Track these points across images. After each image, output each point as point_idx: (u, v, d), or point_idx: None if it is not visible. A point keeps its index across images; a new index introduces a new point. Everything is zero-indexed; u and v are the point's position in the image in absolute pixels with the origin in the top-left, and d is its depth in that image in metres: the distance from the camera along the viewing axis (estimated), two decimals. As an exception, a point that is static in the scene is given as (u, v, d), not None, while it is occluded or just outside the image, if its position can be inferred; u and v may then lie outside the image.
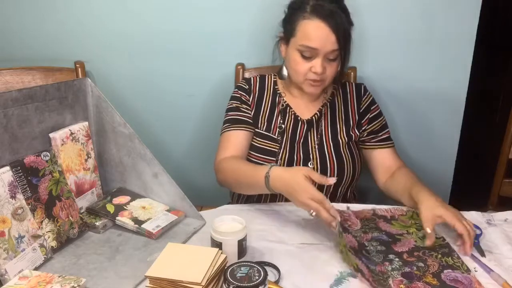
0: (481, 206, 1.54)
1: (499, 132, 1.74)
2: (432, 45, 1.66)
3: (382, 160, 1.43)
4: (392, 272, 1.06)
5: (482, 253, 1.13)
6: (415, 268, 1.07)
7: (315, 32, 1.25)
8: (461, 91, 1.71)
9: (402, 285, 1.02)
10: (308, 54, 1.29)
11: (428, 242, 1.12)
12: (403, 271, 1.06)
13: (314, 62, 1.29)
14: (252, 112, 1.44)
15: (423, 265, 1.08)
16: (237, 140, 1.39)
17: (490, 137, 2.47)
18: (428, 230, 1.12)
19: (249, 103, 1.44)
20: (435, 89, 1.72)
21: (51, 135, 1.21)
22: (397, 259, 1.10)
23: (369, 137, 1.45)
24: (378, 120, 1.45)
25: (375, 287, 1.00)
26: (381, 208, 1.28)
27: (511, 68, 2.79)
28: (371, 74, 1.71)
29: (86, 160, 1.29)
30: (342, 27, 1.25)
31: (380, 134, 1.44)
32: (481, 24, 1.62)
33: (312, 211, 1.09)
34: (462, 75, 1.69)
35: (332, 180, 1.11)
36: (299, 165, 1.38)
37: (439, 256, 1.11)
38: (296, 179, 1.11)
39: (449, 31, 1.63)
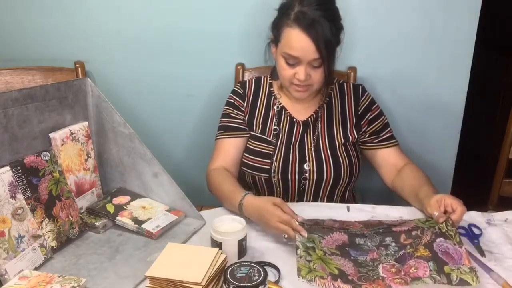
0: (481, 206, 1.54)
1: (499, 132, 1.74)
2: (432, 45, 1.66)
3: (386, 159, 1.43)
4: (385, 257, 1.06)
5: (482, 253, 1.13)
6: (408, 247, 1.07)
7: (295, 42, 1.25)
8: (461, 91, 1.71)
9: (393, 269, 1.02)
10: (291, 61, 1.29)
11: (441, 220, 1.11)
12: (397, 256, 1.06)
13: (298, 69, 1.29)
14: (247, 116, 1.45)
15: (417, 240, 1.08)
16: (226, 149, 1.42)
17: (490, 137, 2.47)
18: (436, 213, 1.13)
19: (243, 108, 1.45)
20: (435, 89, 1.72)
21: (51, 135, 1.21)
22: (393, 244, 1.10)
23: (371, 137, 1.44)
24: (379, 120, 1.45)
25: (359, 284, 0.99)
26: (389, 220, 1.25)
27: (511, 68, 2.78)
28: (371, 74, 1.70)
29: (86, 160, 1.29)
30: (323, 37, 1.23)
31: (382, 134, 1.44)
32: (481, 24, 1.62)
33: (284, 234, 1.12)
34: (462, 75, 1.69)
35: (300, 218, 1.13)
36: (295, 166, 1.39)
37: (435, 226, 1.11)
38: (265, 206, 1.15)
39: (449, 31, 1.63)
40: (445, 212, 1.14)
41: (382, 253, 1.08)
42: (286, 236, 1.12)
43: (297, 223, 1.10)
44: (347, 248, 1.09)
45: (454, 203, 1.13)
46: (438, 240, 1.06)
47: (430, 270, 1.01)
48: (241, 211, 1.21)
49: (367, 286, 0.98)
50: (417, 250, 1.05)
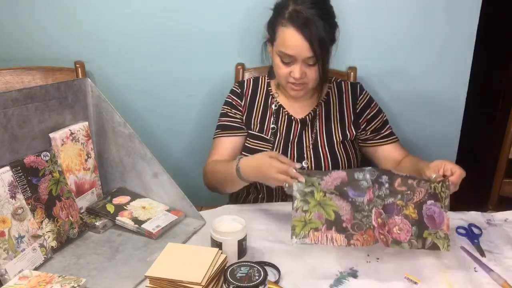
0: (481, 206, 1.54)
1: (499, 132, 1.74)
2: (432, 45, 1.66)
3: (387, 154, 1.44)
4: (376, 199, 1.07)
5: (482, 253, 1.13)
6: (399, 196, 1.08)
7: (290, 40, 1.26)
8: (461, 91, 1.71)
9: (379, 219, 1.04)
10: (287, 59, 1.30)
11: (438, 179, 1.11)
12: (386, 202, 1.08)
13: (293, 68, 1.30)
14: (245, 115, 1.45)
15: (409, 192, 1.09)
16: (223, 147, 1.43)
17: (490, 137, 2.47)
18: (434, 175, 1.13)
19: (240, 107, 1.46)
20: (435, 89, 1.72)
21: (51, 135, 1.21)
22: (387, 185, 1.10)
23: (372, 135, 1.45)
24: (379, 117, 1.45)
25: (352, 234, 1.00)
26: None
27: (511, 68, 2.78)
28: (371, 74, 1.70)
29: (86, 160, 1.29)
30: (317, 36, 1.24)
31: (382, 131, 1.45)
32: (481, 24, 1.62)
33: (285, 184, 1.13)
34: (462, 75, 1.69)
35: (298, 165, 1.14)
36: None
37: (431, 184, 1.11)
38: (261, 161, 1.17)
39: (449, 31, 1.63)
40: (444, 176, 1.13)
41: (375, 192, 1.08)
42: (287, 186, 1.12)
43: (294, 171, 1.11)
44: (345, 188, 1.09)
45: (453, 167, 1.13)
46: (429, 202, 1.08)
47: (411, 235, 1.04)
48: (240, 175, 1.22)
49: (358, 237, 1.01)
50: (406, 206, 1.07)
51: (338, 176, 1.12)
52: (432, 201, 1.08)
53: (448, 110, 1.74)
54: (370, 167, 1.13)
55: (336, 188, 1.10)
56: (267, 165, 1.14)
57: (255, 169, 1.19)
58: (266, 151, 1.40)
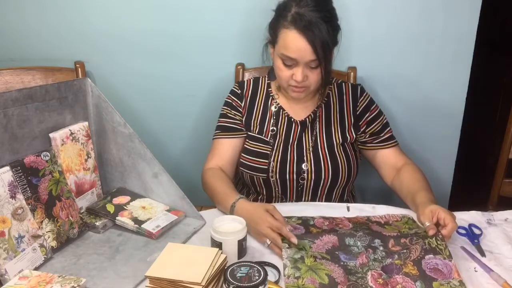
0: (481, 206, 1.54)
1: (499, 132, 1.74)
2: (432, 45, 1.66)
3: (386, 159, 1.43)
4: (373, 263, 1.05)
5: (482, 253, 1.13)
6: (396, 256, 1.06)
7: (292, 43, 1.25)
8: (461, 91, 1.71)
9: (380, 280, 1.01)
10: (288, 62, 1.29)
11: (431, 232, 1.10)
12: (384, 264, 1.05)
13: (295, 70, 1.29)
14: (244, 116, 1.45)
15: (405, 251, 1.07)
16: (223, 149, 1.43)
17: (490, 137, 2.47)
18: (427, 223, 1.13)
19: (240, 108, 1.45)
20: (435, 89, 1.72)
21: (51, 135, 1.21)
22: (381, 248, 1.09)
23: (371, 138, 1.44)
24: (378, 120, 1.45)
25: None
26: (376, 215, 1.26)
27: (511, 68, 2.78)
28: (371, 74, 1.71)
29: (86, 160, 1.29)
30: (320, 39, 1.23)
31: (382, 134, 1.44)
32: (481, 24, 1.62)
33: (268, 241, 1.12)
34: (462, 74, 1.69)
35: (289, 227, 1.14)
36: (293, 166, 1.39)
37: (424, 239, 1.09)
38: (257, 210, 1.16)
39: (449, 31, 1.63)
40: (437, 224, 1.13)
41: (370, 256, 1.07)
42: (269, 243, 1.12)
43: (287, 230, 1.10)
44: (337, 252, 1.08)
45: (447, 218, 1.12)
46: (427, 257, 1.06)
47: None
48: (232, 213, 1.21)
49: None
50: (405, 265, 1.04)
51: (329, 240, 1.11)
52: (431, 255, 1.06)
53: (448, 110, 1.74)
54: (360, 233, 1.12)
55: (327, 252, 1.08)
56: (261, 217, 1.14)
57: (248, 216, 1.15)
58: (266, 153, 1.40)
